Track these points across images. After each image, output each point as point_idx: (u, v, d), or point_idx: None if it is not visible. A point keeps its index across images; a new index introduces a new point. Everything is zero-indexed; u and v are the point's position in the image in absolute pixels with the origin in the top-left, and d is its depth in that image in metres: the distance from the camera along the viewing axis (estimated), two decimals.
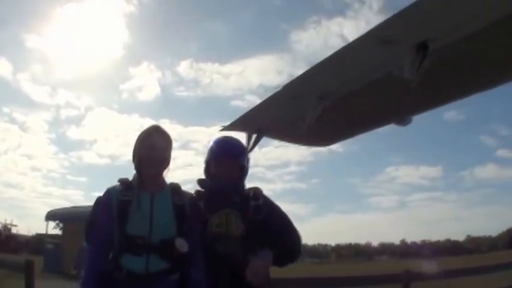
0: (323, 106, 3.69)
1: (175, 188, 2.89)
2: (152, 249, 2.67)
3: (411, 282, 6.33)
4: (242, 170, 3.10)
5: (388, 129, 4.40)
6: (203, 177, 3.15)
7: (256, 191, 3.09)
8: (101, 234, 2.73)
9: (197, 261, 2.78)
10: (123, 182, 2.83)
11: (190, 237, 2.76)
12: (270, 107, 4.00)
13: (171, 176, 2.92)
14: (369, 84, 3.40)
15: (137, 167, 2.84)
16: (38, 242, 32.03)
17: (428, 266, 13.80)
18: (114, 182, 2.87)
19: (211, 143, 3.19)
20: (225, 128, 4.51)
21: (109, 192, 2.81)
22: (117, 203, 2.73)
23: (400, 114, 4.06)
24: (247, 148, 4.06)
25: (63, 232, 23.65)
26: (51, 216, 24.88)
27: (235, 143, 3.21)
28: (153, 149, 2.80)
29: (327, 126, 4.17)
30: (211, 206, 2.98)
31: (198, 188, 3.14)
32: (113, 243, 2.71)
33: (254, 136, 4.47)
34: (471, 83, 3.65)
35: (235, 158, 3.06)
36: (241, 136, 4.47)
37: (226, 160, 3.04)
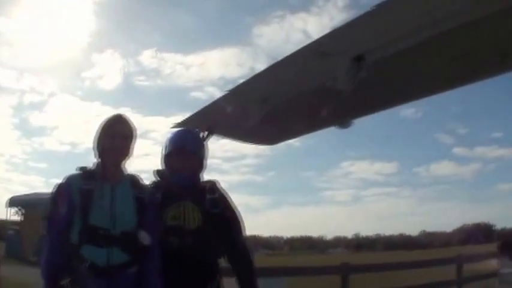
0: (265, 110, 3.91)
1: (135, 180, 2.92)
2: (114, 241, 2.67)
3: (350, 274, 6.54)
4: (202, 163, 3.16)
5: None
6: (160, 167, 3.20)
7: (213, 185, 3.15)
8: (61, 222, 2.70)
9: (154, 254, 2.80)
10: (84, 170, 2.81)
11: (148, 230, 2.77)
12: (218, 108, 4.17)
13: (127, 165, 2.95)
14: (307, 91, 3.64)
15: (99, 155, 2.86)
16: None
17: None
18: (75, 170, 2.84)
19: (172, 135, 3.23)
20: (177, 125, 4.63)
21: (69, 179, 2.80)
22: (78, 192, 2.71)
23: (339, 118, 4.31)
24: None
25: (24, 219, 23.50)
26: (12, 202, 24.56)
27: (197, 136, 3.31)
28: (115, 137, 2.81)
29: (271, 128, 4.40)
30: (169, 197, 3.02)
31: (155, 178, 3.19)
32: (71, 233, 2.70)
33: (205, 134, 4.63)
34: (405, 93, 3.94)
35: (196, 151, 3.13)
36: None
37: (188, 153, 3.09)
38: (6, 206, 24.89)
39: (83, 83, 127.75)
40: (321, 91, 3.53)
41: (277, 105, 3.91)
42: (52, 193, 2.82)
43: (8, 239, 22.90)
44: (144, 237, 2.72)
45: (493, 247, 9.76)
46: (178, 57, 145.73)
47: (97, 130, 2.88)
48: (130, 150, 2.88)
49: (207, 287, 2.98)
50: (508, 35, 3.05)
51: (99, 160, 2.86)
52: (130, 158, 2.89)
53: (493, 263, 9.13)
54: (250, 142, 5.38)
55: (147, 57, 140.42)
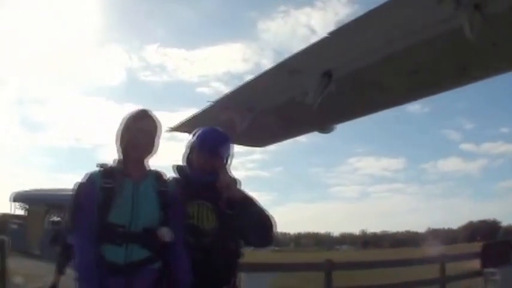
0: (251, 117, 4.42)
1: (158, 175, 2.81)
2: (133, 239, 2.59)
3: (333, 271, 6.84)
4: (224, 164, 3.03)
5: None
6: (174, 164, 3.11)
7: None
8: (89, 220, 2.60)
9: (181, 250, 2.72)
10: (104, 167, 2.72)
11: (173, 225, 2.69)
12: (209, 113, 4.61)
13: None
14: (283, 103, 4.18)
15: (122, 151, 2.75)
16: (2, 222, 31.93)
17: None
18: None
19: (200, 132, 3.09)
20: (173, 129, 5.02)
21: (91, 177, 2.68)
22: (100, 191, 2.61)
23: (320, 124, 4.80)
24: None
25: (28, 213, 23.97)
26: (16, 197, 25.11)
27: (222, 138, 3.11)
28: (138, 133, 2.71)
29: (259, 132, 4.91)
30: (186, 195, 2.93)
31: (173, 174, 3.07)
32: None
33: None
34: (368, 104, 4.42)
35: (219, 152, 3.02)
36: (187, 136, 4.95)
37: (209, 154, 2.98)
38: (10, 201, 25.52)
39: (87, 78, 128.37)
40: (293, 104, 3.99)
41: (261, 113, 4.41)
42: (74, 192, 2.71)
43: (12, 233, 23.40)
44: (164, 234, 2.62)
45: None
46: (182, 52, 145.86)
47: (120, 125, 2.78)
48: (155, 146, 2.79)
49: None
50: (465, 50, 3.42)
51: (121, 156, 2.75)
52: (156, 154, 2.81)
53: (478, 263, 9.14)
54: (241, 144, 5.82)
55: (151, 52, 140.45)
